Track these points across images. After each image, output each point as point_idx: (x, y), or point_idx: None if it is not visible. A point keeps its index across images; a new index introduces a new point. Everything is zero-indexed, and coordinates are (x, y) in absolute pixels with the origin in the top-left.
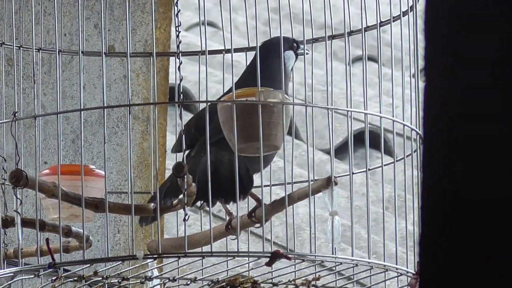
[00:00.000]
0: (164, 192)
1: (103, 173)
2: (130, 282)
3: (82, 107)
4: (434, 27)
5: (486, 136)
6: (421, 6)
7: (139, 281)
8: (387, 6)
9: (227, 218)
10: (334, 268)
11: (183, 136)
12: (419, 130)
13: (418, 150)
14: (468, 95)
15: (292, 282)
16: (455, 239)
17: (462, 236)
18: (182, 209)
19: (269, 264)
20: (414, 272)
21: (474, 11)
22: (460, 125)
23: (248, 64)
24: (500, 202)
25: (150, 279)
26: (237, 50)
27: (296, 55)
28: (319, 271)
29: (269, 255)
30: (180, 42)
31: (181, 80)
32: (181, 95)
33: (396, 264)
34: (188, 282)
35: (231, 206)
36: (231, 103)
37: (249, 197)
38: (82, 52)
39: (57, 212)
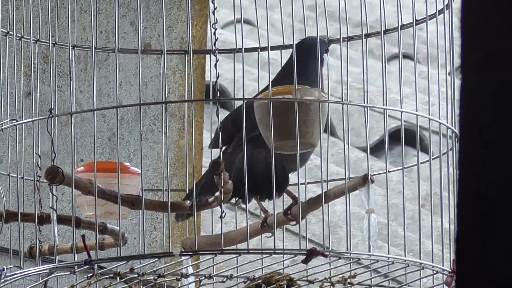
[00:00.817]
0: (199, 189)
1: (139, 170)
2: (166, 279)
3: (118, 105)
4: (470, 25)
5: None
6: (457, 4)
7: (175, 278)
8: (423, 4)
9: (263, 215)
10: (370, 265)
11: (220, 133)
12: (455, 128)
13: (454, 148)
14: (503, 93)
15: (328, 280)
16: (486, 237)
17: (493, 234)
18: (219, 207)
19: (305, 261)
20: (450, 270)
21: (510, 9)
22: (493, 123)
23: (284, 62)
24: None
25: (186, 276)
26: (273, 48)
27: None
28: (355, 269)
29: (305, 252)
30: (216, 40)
31: (217, 77)
32: (218, 92)
33: (432, 262)
34: (224, 280)
35: (266, 204)
36: (268, 100)
37: (285, 194)
38: (118, 49)
39: (92, 209)
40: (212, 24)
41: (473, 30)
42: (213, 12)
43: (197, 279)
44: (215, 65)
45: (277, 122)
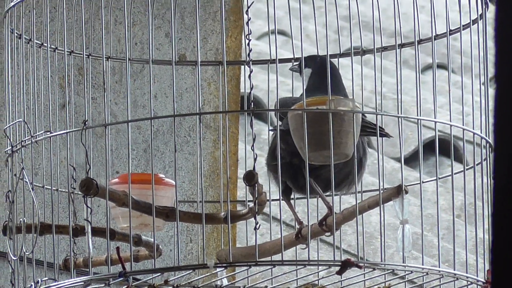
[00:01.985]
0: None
1: (173, 182)
2: None
3: (152, 116)
4: (504, 35)
5: None
6: (491, 13)
7: None
8: (457, 14)
9: (298, 226)
10: (404, 276)
11: (253, 143)
12: (489, 138)
13: (488, 158)
14: None
15: None
16: None
17: None
18: (253, 218)
19: (340, 272)
20: (484, 281)
21: None
22: None
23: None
24: None
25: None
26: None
27: None
28: (389, 280)
29: (340, 263)
30: (250, 51)
31: (251, 88)
32: (252, 103)
33: (467, 273)
34: None
35: (302, 215)
36: (302, 111)
37: (321, 204)
38: (152, 61)
39: (127, 221)
40: (246, 35)
41: (507, 40)
42: (247, 23)
43: None
44: (249, 76)
45: (311, 132)
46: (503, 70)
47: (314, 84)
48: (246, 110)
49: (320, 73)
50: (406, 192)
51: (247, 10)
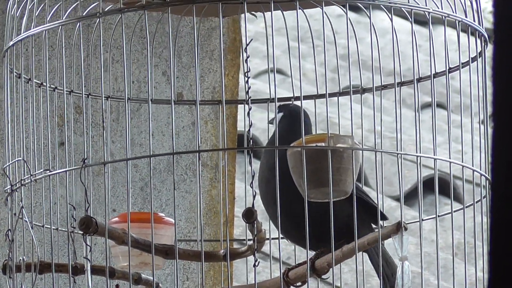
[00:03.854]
0: None
1: (172, 221)
2: None
3: (151, 154)
4: (502, 74)
5: None
6: (489, 52)
7: None
8: (456, 53)
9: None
10: None
11: (252, 181)
12: (488, 175)
13: (488, 196)
14: None
15: None
16: None
17: None
18: (252, 255)
19: None
20: None
21: None
22: None
23: (317, 111)
24: None
25: None
26: (306, 97)
27: None
28: None
29: None
30: (249, 88)
31: (250, 125)
32: (251, 140)
33: None
34: None
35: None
36: (301, 148)
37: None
38: (151, 100)
39: (127, 260)
40: (245, 72)
41: (505, 79)
42: (246, 61)
43: None
44: (248, 113)
45: (310, 170)
46: (501, 108)
47: (283, 127)
48: (245, 148)
49: (291, 117)
50: (406, 229)
51: (245, 48)
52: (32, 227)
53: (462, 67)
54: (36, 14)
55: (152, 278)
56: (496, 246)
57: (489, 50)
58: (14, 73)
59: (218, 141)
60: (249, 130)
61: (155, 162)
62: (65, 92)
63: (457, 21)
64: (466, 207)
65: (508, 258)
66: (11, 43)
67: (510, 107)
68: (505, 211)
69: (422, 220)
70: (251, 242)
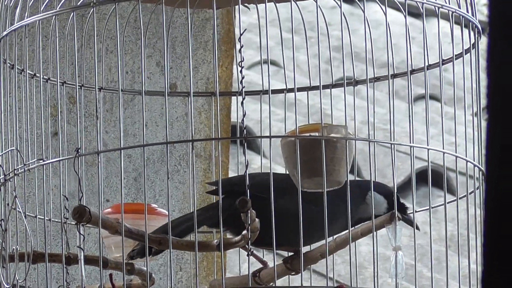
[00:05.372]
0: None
1: (165, 212)
2: None
3: (144, 143)
4: (496, 65)
5: None
6: (483, 44)
7: None
8: (449, 45)
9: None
10: None
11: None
12: (482, 166)
13: (481, 187)
14: None
15: None
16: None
17: None
18: (246, 245)
19: None
20: None
21: None
22: None
23: (310, 103)
24: None
25: None
26: (299, 89)
27: None
28: None
29: None
30: (243, 77)
31: (244, 115)
32: (245, 130)
33: None
34: None
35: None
36: (295, 138)
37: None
38: (145, 92)
39: (120, 251)
40: (239, 62)
41: (499, 70)
42: (240, 51)
43: None
44: (242, 103)
45: (303, 159)
46: (494, 100)
47: None
48: (238, 137)
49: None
50: (399, 219)
51: (239, 38)
52: (25, 217)
53: (455, 59)
54: (30, 4)
55: (145, 268)
56: (489, 238)
57: (483, 42)
58: (8, 64)
59: (212, 132)
60: (242, 120)
61: (148, 153)
62: (58, 83)
63: (450, 12)
64: (460, 198)
65: (501, 250)
66: (4, 33)
67: (504, 99)
68: (498, 202)
69: (416, 211)
70: (245, 231)
